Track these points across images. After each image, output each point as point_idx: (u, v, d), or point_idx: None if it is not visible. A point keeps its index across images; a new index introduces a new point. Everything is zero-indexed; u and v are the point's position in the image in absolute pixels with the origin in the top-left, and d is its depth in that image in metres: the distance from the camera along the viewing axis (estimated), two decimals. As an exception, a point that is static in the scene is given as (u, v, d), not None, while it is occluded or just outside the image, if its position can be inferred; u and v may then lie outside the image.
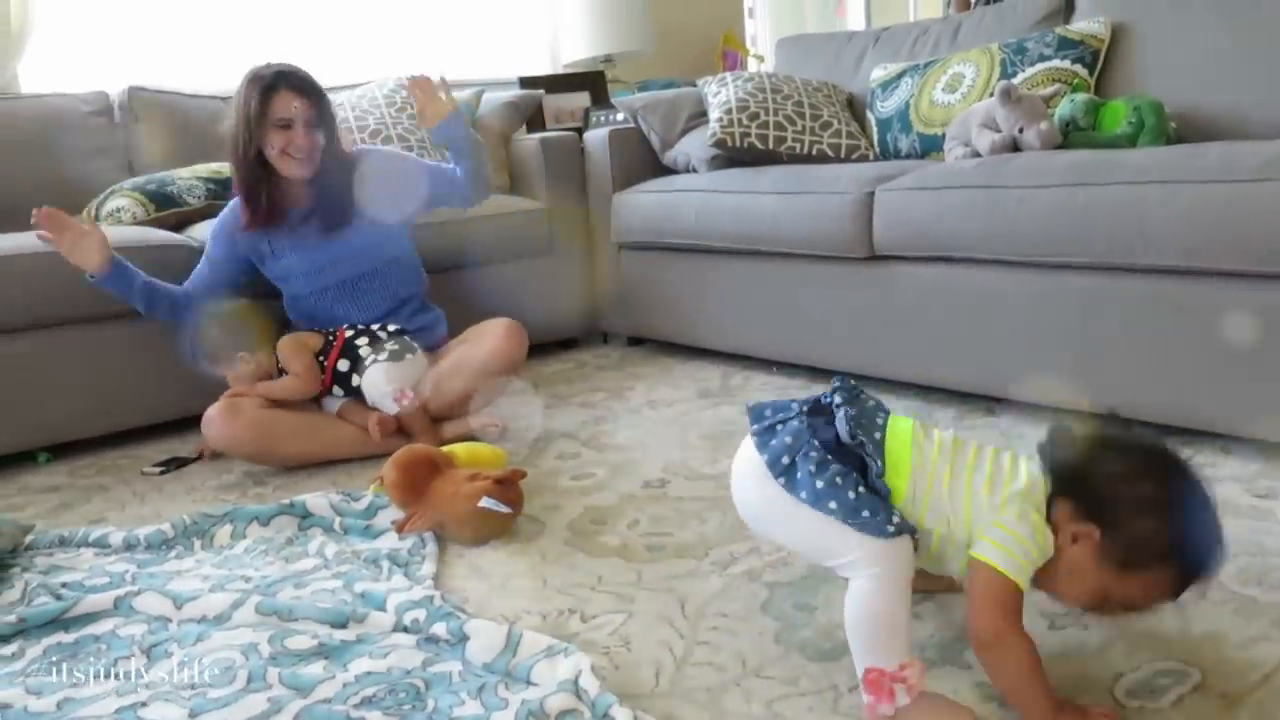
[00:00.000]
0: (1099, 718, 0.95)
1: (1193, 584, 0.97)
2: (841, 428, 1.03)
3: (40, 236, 1.97)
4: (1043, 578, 1.00)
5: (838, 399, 1.06)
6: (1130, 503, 0.95)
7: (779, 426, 1.06)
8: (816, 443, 1.03)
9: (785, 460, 1.03)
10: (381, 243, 2.19)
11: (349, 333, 2.10)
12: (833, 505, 0.99)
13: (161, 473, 2.08)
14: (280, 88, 2.00)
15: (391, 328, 2.13)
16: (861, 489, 1.00)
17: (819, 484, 1.00)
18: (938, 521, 1.01)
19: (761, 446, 1.05)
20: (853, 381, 1.09)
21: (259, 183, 2.07)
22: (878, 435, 1.04)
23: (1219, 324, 1.64)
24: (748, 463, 1.08)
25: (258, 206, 2.09)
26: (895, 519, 0.99)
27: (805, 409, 1.06)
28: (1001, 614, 0.95)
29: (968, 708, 1.00)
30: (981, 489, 1.00)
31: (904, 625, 0.97)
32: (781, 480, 1.02)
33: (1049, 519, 0.99)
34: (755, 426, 1.07)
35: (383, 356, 2.05)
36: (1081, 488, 0.98)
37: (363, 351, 2.07)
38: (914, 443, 1.03)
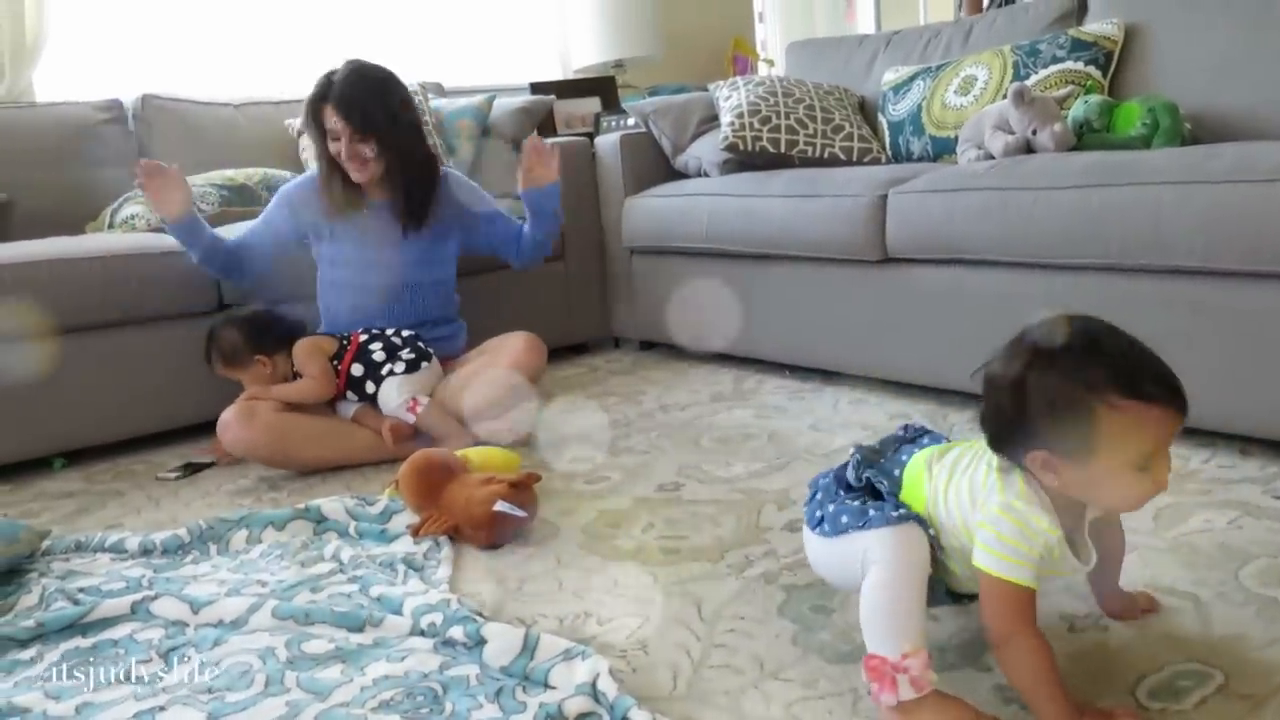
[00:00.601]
0: (1123, 716, 0.94)
1: (1146, 379, 0.89)
2: (850, 472, 1.10)
3: (138, 184, 2.14)
4: (1103, 507, 0.99)
5: (856, 455, 1.11)
6: (1013, 412, 0.93)
7: (818, 494, 1.13)
8: (841, 492, 1.10)
9: (818, 514, 1.10)
10: (432, 261, 2.23)
11: (363, 337, 2.11)
12: (845, 520, 1.04)
13: (177, 478, 2.09)
14: (327, 101, 2.07)
15: (406, 333, 2.14)
16: (870, 501, 1.05)
17: (836, 511, 1.06)
18: (949, 540, 1.03)
19: (809, 517, 1.13)
20: (919, 425, 1.17)
21: (332, 174, 2.15)
22: (896, 473, 1.09)
23: (1236, 325, 1.63)
24: (806, 536, 1.15)
25: (333, 195, 2.16)
26: (900, 509, 1.02)
27: (839, 466, 1.14)
28: (1007, 615, 0.95)
29: (974, 708, 0.99)
30: (965, 494, 1.01)
31: (906, 613, 0.97)
32: (817, 530, 1.09)
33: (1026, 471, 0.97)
34: (806, 506, 1.15)
35: (399, 369, 2.06)
36: (1002, 440, 0.97)
37: (377, 357, 2.07)
38: (925, 470, 1.06)
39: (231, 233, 2.41)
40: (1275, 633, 1.10)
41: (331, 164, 2.14)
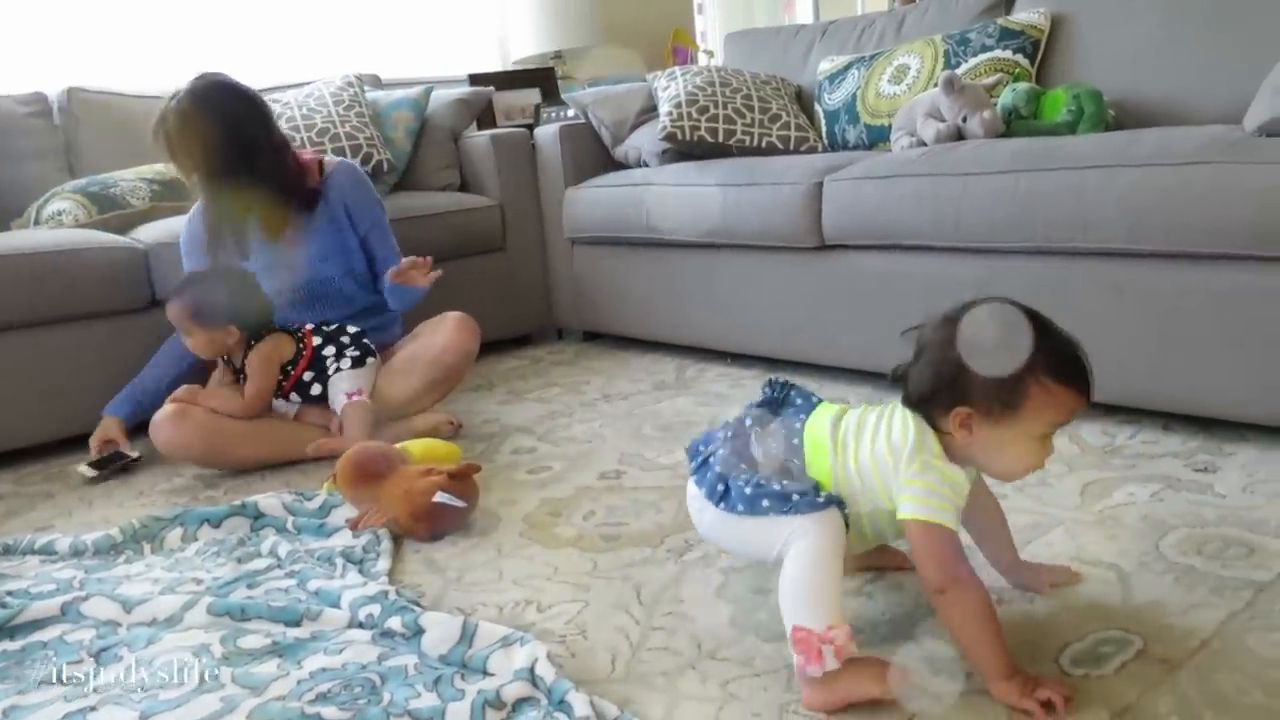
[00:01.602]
0: (1051, 685, 0.97)
1: (1058, 353, 1.01)
2: (754, 447, 1.12)
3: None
4: (991, 471, 1.07)
5: (747, 420, 1.15)
6: (958, 365, 1.01)
7: (710, 459, 1.14)
8: (743, 464, 1.11)
9: (720, 487, 1.11)
10: (337, 252, 2.16)
11: (316, 340, 2.05)
12: (765, 504, 1.06)
13: (97, 475, 2.02)
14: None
15: (352, 330, 2.10)
16: (786, 482, 1.07)
17: (749, 492, 1.07)
18: (859, 505, 1.07)
19: (699, 482, 1.14)
20: (783, 380, 1.18)
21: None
22: (795, 441, 1.11)
23: (1158, 304, 1.68)
24: (693, 498, 1.17)
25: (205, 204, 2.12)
26: (823, 494, 1.05)
27: (729, 434, 1.15)
28: (947, 558, 1.01)
29: (895, 666, 1.02)
30: (885, 455, 1.05)
31: (831, 590, 1.01)
32: (721, 505, 1.11)
33: (941, 434, 1.05)
34: (692, 464, 1.17)
35: (346, 365, 2.04)
36: (931, 396, 1.05)
37: (329, 363, 2.04)
38: (829, 433, 1.10)
39: (162, 231, 2.38)
40: (1192, 599, 1.14)
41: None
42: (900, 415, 1.08)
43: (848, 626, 0.99)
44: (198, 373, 2.12)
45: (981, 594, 1.00)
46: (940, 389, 1.03)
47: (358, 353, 2.06)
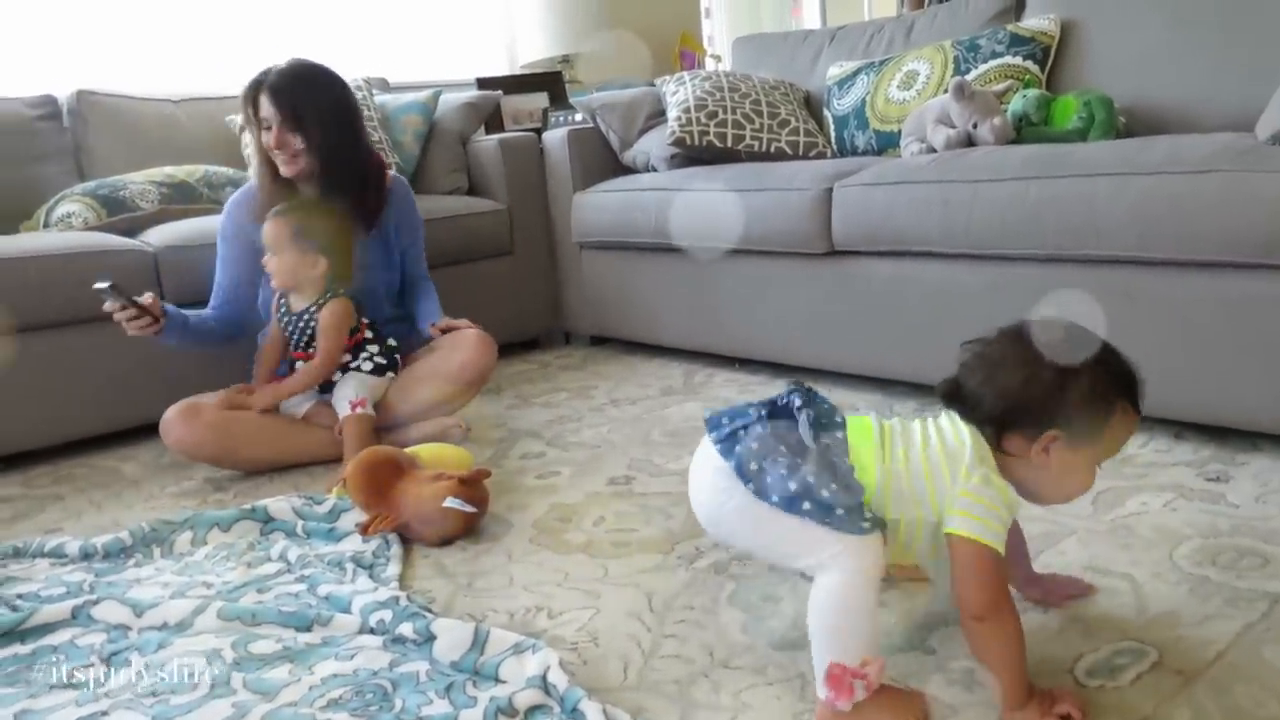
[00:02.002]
0: (1067, 699, 0.96)
1: (1135, 385, 1.01)
2: (805, 430, 1.02)
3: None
4: (1045, 495, 1.05)
5: (796, 400, 1.06)
6: (1052, 390, 0.98)
7: (741, 433, 1.04)
8: (783, 446, 1.02)
9: (753, 465, 1.01)
10: (384, 266, 2.18)
11: (368, 334, 2.06)
12: (806, 506, 0.98)
13: (108, 287, 1.87)
14: (260, 90, 2.02)
15: (392, 342, 2.11)
16: (834, 486, 0.99)
17: (792, 486, 0.98)
18: (903, 509, 1.01)
19: (726, 453, 1.03)
20: (807, 385, 1.10)
21: (263, 169, 2.10)
22: (840, 435, 1.04)
23: (1168, 313, 1.68)
24: (711, 471, 1.05)
25: (263, 191, 2.10)
26: (869, 515, 0.99)
27: (764, 413, 1.06)
28: (993, 586, 0.97)
29: (920, 693, 1.01)
30: (941, 465, 1.01)
31: (869, 624, 0.97)
32: (751, 486, 1.00)
33: (997, 453, 1.02)
34: (715, 434, 1.06)
35: (366, 368, 2.04)
36: (1013, 415, 1.00)
37: (356, 359, 2.05)
38: (875, 438, 1.04)
39: (171, 234, 2.38)
40: (1207, 610, 1.14)
41: (265, 159, 2.09)
42: (950, 422, 1.04)
43: (882, 660, 0.97)
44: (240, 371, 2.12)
45: (1018, 625, 0.97)
46: (1024, 410, 0.99)
47: (383, 361, 2.07)
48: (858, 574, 0.97)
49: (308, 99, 2.04)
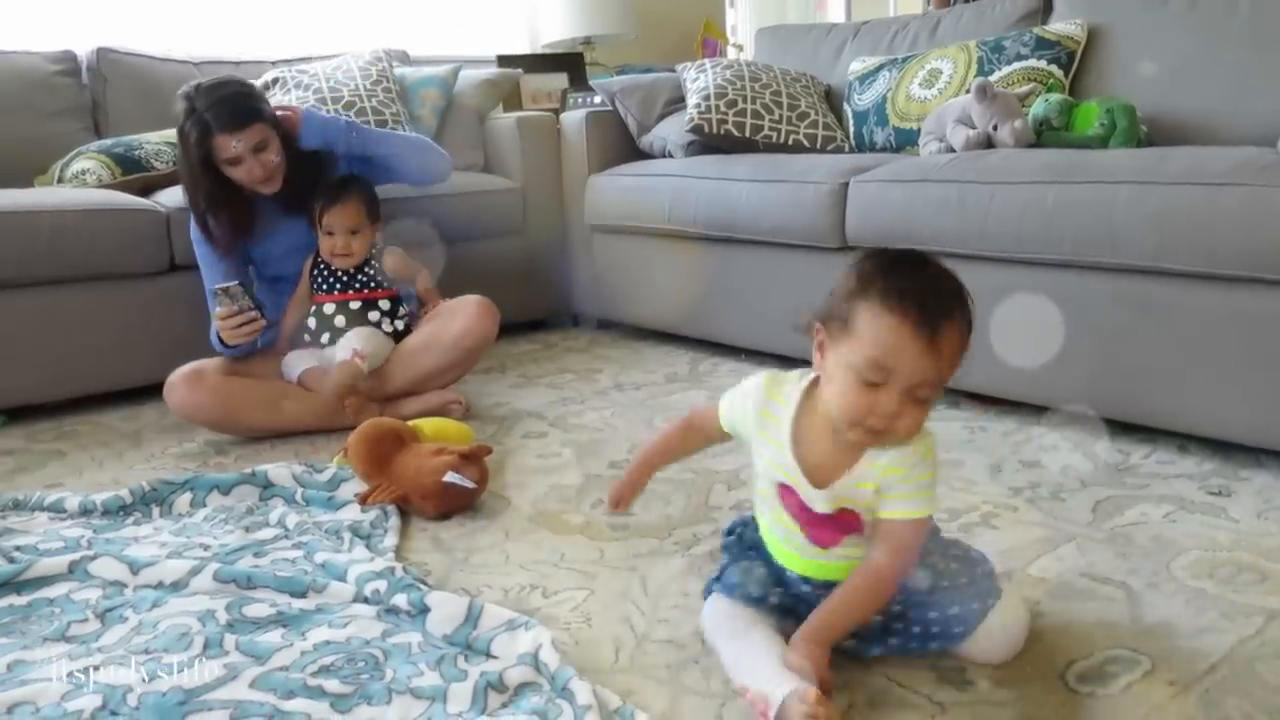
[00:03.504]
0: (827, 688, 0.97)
1: (909, 299, 0.93)
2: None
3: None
4: (829, 407, 1.00)
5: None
6: (836, 287, 1.00)
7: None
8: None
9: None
10: None
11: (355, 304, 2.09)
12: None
13: (237, 286, 1.92)
14: (214, 133, 1.92)
15: (403, 322, 2.13)
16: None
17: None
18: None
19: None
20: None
21: (218, 204, 2.02)
22: None
23: (1182, 325, 1.67)
24: None
25: (225, 228, 2.04)
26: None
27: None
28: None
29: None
30: None
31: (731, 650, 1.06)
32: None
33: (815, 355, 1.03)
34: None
35: (387, 328, 2.10)
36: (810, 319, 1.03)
37: (376, 314, 2.09)
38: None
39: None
40: (1202, 622, 1.13)
41: (216, 197, 2.01)
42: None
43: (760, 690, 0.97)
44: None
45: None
46: (817, 312, 1.01)
47: (401, 329, 2.12)
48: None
49: (252, 105, 1.97)
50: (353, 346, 2.00)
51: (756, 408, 1.08)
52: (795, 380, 1.07)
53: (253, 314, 1.93)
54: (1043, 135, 2.14)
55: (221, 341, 1.99)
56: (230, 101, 1.94)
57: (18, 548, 1.45)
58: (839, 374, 0.98)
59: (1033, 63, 2.33)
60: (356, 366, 1.97)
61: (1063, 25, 2.36)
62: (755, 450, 1.10)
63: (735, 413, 1.12)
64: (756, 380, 1.10)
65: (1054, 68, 2.31)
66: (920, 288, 0.94)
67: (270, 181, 2.02)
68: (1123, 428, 1.80)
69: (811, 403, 1.05)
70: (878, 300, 0.94)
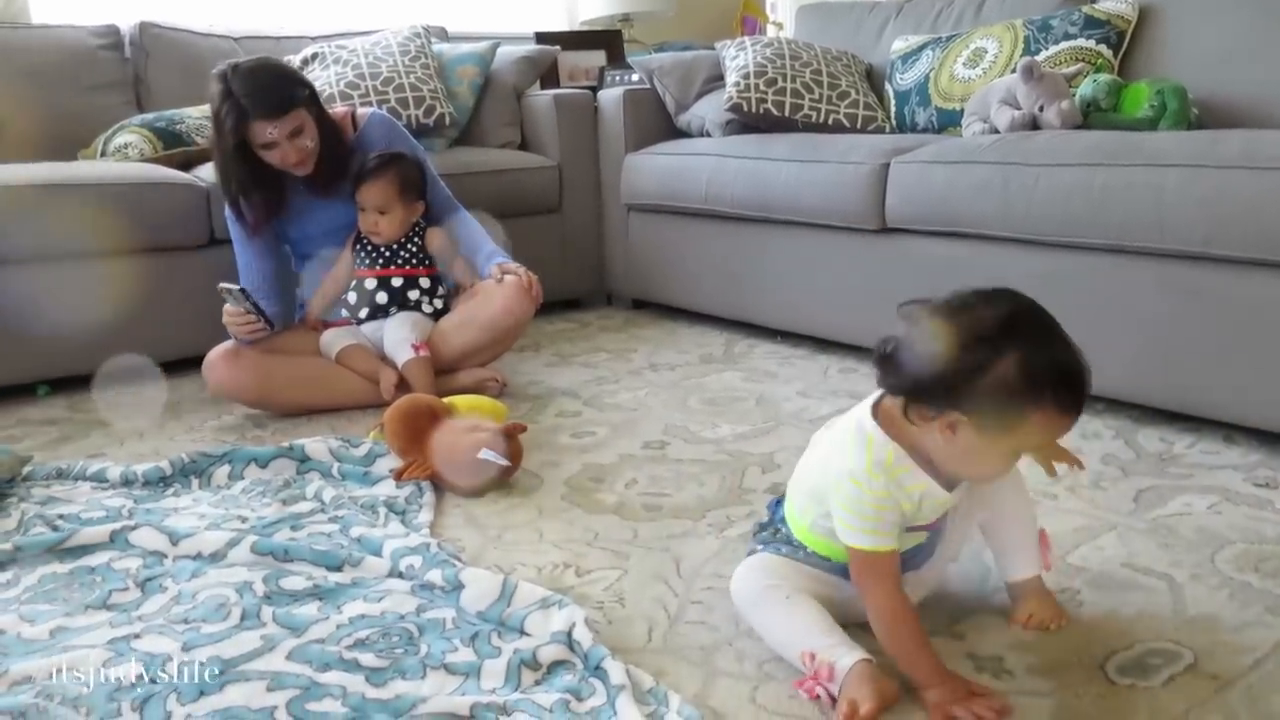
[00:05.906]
0: (981, 692, 0.96)
1: (1069, 385, 0.92)
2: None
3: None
4: (951, 471, 1.00)
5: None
6: (966, 373, 0.92)
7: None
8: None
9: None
10: None
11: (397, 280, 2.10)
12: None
13: (240, 290, 1.92)
14: (251, 119, 1.91)
15: (441, 302, 2.14)
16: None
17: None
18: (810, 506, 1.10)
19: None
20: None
21: (249, 187, 2.01)
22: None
23: (1232, 312, 1.63)
24: None
25: (257, 209, 2.04)
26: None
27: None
28: (869, 582, 1.01)
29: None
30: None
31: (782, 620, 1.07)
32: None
33: (910, 420, 0.97)
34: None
35: (428, 309, 2.11)
36: (920, 389, 0.95)
37: (417, 295, 2.10)
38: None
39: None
40: (1247, 616, 1.11)
41: (246, 180, 2.00)
42: (852, 414, 1.06)
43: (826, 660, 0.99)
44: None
45: (897, 607, 1.00)
46: (932, 387, 0.94)
47: (441, 308, 2.13)
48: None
49: (290, 89, 1.96)
50: (410, 341, 2.00)
51: (897, 492, 0.99)
52: (881, 444, 1.00)
53: (251, 317, 1.94)
54: (1090, 117, 2.10)
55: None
56: (268, 89, 1.93)
57: (61, 516, 1.48)
58: (993, 455, 0.97)
59: (1081, 42, 2.28)
60: (427, 360, 2.00)
61: (1113, 4, 2.31)
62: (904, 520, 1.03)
63: (888, 522, 0.99)
64: (870, 496, 0.99)
65: (1103, 47, 2.26)
66: (1083, 384, 0.94)
67: (304, 164, 2.02)
68: (1168, 417, 1.77)
69: (899, 439, 1.00)
70: (1054, 408, 0.93)
